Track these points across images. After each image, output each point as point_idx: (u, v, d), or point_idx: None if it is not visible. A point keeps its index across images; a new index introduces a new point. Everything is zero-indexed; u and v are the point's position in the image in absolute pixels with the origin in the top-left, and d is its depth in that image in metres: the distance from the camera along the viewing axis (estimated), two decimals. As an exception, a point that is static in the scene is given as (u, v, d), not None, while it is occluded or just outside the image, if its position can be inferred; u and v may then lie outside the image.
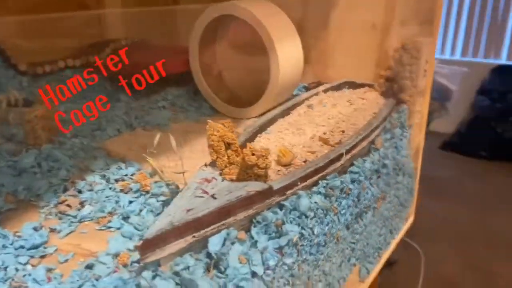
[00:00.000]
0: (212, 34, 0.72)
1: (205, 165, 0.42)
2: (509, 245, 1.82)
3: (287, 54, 0.64)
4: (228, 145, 0.42)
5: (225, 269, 0.34)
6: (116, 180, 0.47)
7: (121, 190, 0.45)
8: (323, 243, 0.43)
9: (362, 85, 0.70)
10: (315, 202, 0.41)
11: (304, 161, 0.47)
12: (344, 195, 0.45)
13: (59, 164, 0.48)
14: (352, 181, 0.47)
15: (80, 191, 0.45)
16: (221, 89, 0.74)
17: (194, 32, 0.70)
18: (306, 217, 0.40)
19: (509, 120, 2.81)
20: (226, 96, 0.73)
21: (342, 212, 0.45)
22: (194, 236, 0.34)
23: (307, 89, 0.72)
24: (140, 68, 0.76)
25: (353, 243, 0.50)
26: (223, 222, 0.35)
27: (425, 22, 0.62)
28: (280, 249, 0.37)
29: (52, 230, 0.40)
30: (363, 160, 0.50)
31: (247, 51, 0.73)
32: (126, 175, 0.48)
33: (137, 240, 0.38)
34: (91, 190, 0.45)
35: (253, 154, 0.39)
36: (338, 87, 0.69)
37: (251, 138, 0.51)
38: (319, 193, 0.43)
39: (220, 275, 0.33)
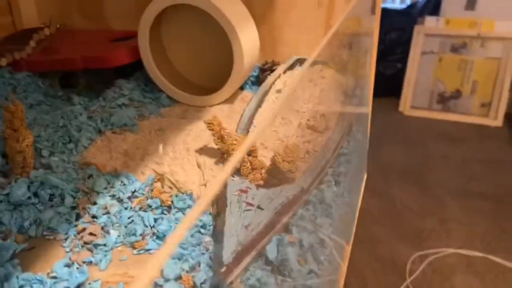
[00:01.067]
0: (159, 21, 0.69)
1: (233, 175, 0.44)
2: (398, 172, 2.09)
3: (246, 38, 0.65)
4: (248, 154, 0.44)
5: (289, 272, 0.37)
6: (129, 198, 0.46)
7: (140, 209, 0.45)
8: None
9: (315, 62, 0.74)
10: (334, 191, 0.46)
11: (306, 152, 0.50)
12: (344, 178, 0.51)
13: (59, 190, 0.46)
14: (346, 162, 0.53)
15: (95, 217, 0.44)
16: (177, 78, 0.73)
17: (144, 21, 0.67)
18: (331, 207, 0.44)
19: (388, 59, 3.11)
20: (183, 85, 0.73)
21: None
22: (256, 249, 0.37)
23: (261, 70, 0.75)
24: (79, 62, 0.72)
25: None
26: (274, 229, 0.38)
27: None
28: (323, 242, 0.41)
29: (88, 263, 0.40)
30: (348, 142, 0.56)
31: (201, 39, 0.72)
32: (135, 191, 0.48)
33: (187, 261, 0.39)
34: (107, 213, 0.44)
35: (283, 160, 0.41)
36: (291, 67, 0.72)
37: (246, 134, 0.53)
38: (335, 182, 0.47)
39: (287, 279, 0.37)
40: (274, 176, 0.42)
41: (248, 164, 0.44)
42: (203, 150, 0.57)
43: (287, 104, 0.60)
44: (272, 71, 0.73)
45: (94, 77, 0.80)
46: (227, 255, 0.34)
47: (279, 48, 0.75)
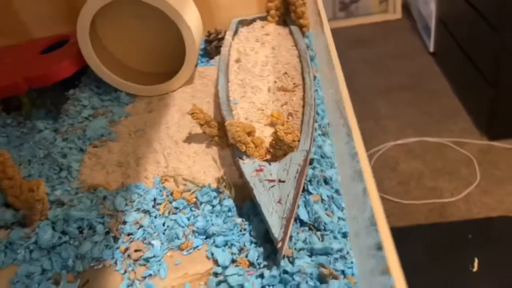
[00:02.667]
0: (93, 21, 0.67)
1: (241, 158, 0.47)
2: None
3: (191, 17, 0.66)
4: (248, 134, 0.48)
5: (324, 228, 0.43)
6: (153, 207, 0.49)
7: (169, 213, 0.48)
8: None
9: (254, 20, 0.77)
10: (330, 144, 0.52)
11: (289, 115, 0.55)
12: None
13: (85, 222, 0.48)
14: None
15: (131, 234, 0.47)
16: (128, 73, 0.73)
17: (81, 23, 0.65)
18: (329, 157, 0.51)
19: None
20: (137, 78, 0.73)
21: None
22: (293, 217, 0.42)
23: (207, 41, 0.76)
24: (22, 85, 0.69)
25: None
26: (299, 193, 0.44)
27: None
28: (337, 191, 0.47)
29: (148, 277, 0.43)
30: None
31: (141, 27, 0.72)
32: (155, 199, 0.50)
33: (234, 245, 0.44)
34: (141, 227, 0.47)
35: (285, 133, 0.46)
36: (236, 31, 0.74)
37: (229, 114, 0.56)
38: (323, 134, 0.53)
39: (325, 233, 0.43)
40: (279, 148, 0.47)
41: (251, 144, 0.48)
42: (190, 139, 0.60)
43: (251, 72, 0.64)
44: (218, 40, 0.75)
45: (33, 91, 0.77)
46: (277, 231, 0.39)
47: (216, 14, 0.76)
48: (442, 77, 2.17)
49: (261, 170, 0.46)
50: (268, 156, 0.49)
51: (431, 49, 2.33)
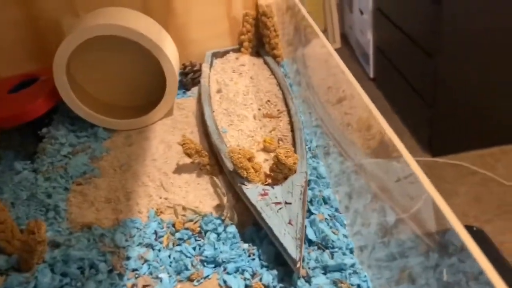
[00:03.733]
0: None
1: (244, 184, 0.48)
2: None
3: (170, 51, 0.67)
4: (249, 160, 0.49)
5: (332, 246, 0.44)
6: (156, 240, 0.48)
7: (173, 245, 0.47)
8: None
9: (227, 52, 0.79)
10: (323, 165, 0.53)
11: (279, 140, 0.57)
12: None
13: (85, 261, 0.45)
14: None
15: (136, 269, 0.46)
16: (104, 108, 0.71)
17: (58, 61, 0.63)
18: (324, 178, 0.52)
19: None
20: (113, 112, 0.71)
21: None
22: (303, 237, 0.43)
23: (183, 74, 0.76)
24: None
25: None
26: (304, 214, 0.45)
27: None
28: (337, 210, 0.49)
29: (161, 313, 0.42)
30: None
31: (116, 62, 0.71)
32: (156, 232, 0.49)
33: (246, 270, 0.44)
34: (146, 261, 0.46)
35: (286, 157, 0.47)
36: (211, 62, 0.76)
37: (221, 143, 0.56)
38: (313, 156, 0.55)
39: (334, 250, 0.44)
40: (280, 171, 0.48)
41: (251, 169, 0.49)
42: (179, 169, 0.60)
43: (234, 102, 0.65)
44: (194, 72, 0.76)
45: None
46: (294, 252, 0.40)
47: (189, 47, 0.77)
48: (384, 100, 2.29)
49: (266, 194, 0.46)
50: (269, 180, 0.49)
51: (371, 75, 2.46)
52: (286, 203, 0.45)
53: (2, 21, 0.72)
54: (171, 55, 0.66)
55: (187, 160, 0.61)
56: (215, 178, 0.50)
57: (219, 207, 0.52)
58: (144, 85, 0.73)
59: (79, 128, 0.71)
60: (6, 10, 0.71)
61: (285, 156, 0.47)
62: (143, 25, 0.64)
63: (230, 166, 0.51)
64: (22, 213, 0.53)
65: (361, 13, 2.46)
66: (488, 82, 1.69)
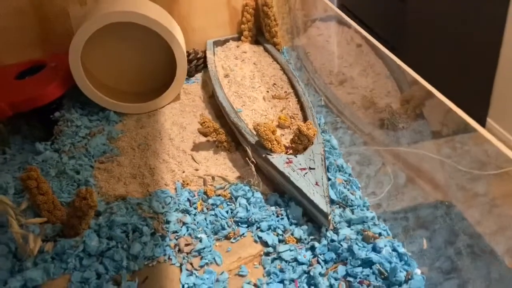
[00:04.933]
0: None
1: (270, 154, 0.53)
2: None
3: (180, 38, 0.71)
4: (273, 132, 0.55)
5: (351, 204, 0.51)
6: (190, 206, 0.53)
7: (207, 210, 0.52)
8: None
9: (227, 40, 0.84)
10: (330, 136, 0.60)
11: (291, 117, 0.63)
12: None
13: (129, 226, 0.50)
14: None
15: (176, 231, 0.50)
16: (115, 93, 0.75)
17: (74, 47, 0.66)
18: (336, 149, 0.59)
19: None
20: (123, 96, 0.75)
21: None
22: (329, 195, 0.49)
23: (187, 61, 0.80)
24: (6, 110, 0.68)
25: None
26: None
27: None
28: (350, 175, 0.55)
29: (205, 265, 0.47)
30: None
31: (124, 50, 0.74)
32: (189, 199, 0.54)
33: (278, 227, 0.50)
34: (184, 224, 0.51)
35: (307, 128, 0.53)
36: (212, 50, 0.80)
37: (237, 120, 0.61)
38: (323, 131, 0.61)
39: (352, 207, 0.51)
40: (300, 143, 0.54)
41: (275, 141, 0.54)
42: (197, 147, 0.65)
43: (242, 85, 0.70)
44: (198, 59, 0.80)
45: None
46: (325, 207, 0.46)
47: (191, 36, 0.82)
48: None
49: (290, 162, 0.52)
50: (290, 151, 0.55)
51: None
52: (310, 168, 0.51)
53: (7, 8, 0.74)
54: (182, 43, 0.71)
55: (203, 139, 0.66)
56: (247, 149, 0.55)
57: (239, 178, 0.58)
58: (150, 72, 0.77)
59: (89, 112, 0.74)
60: (13, -3, 0.73)
61: (307, 128, 0.53)
62: (157, 14, 0.69)
63: (252, 139, 0.56)
64: (55, 188, 0.56)
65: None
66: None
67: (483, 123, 1.88)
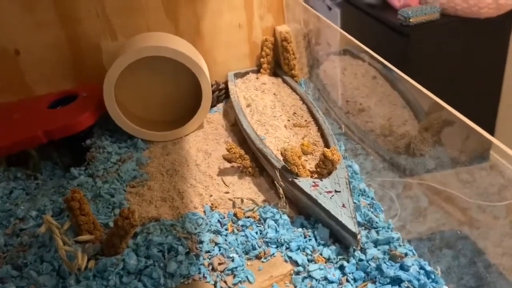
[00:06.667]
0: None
1: (296, 178, 0.56)
2: None
3: (205, 71, 0.75)
4: (299, 158, 0.57)
5: (376, 226, 0.53)
6: (221, 227, 0.55)
7: (238, 231, 0.54)
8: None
9: (247, 73, 0.88)
10: (352, 162, 0.63)
11: (313, 144, 0.65)
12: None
13: (165, 246, 0.51)
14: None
15: (209, 251, 0.52)
16: (143, 122, 0.78)
17: (109, 78, 0.70)
18: (358, 173, 0.61)
19: None
20: (149, 126, 0.78)
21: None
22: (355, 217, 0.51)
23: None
24: (41, 137, 0.71)
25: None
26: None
27: (277, 11, 0.84)
28: (373, 199, 0.58)
29: (238, 283, 0.49)
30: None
31: (151, 81, 0.78)
32: (219, 221, 0.56)
33: (307, 247, 0.51)
34: (216, 244, 0.53)
35: (332, 154, 0.56)
36: (234, 82, 0.84)
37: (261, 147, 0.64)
38: (344, 157, 0.64)
39: (377, 229, 0.53)
40: (325, 167, 0.57)
41: (301, 166, 0.57)
42: (222, 172, 0.67)
43: (264, 114, 0.74)
44: (219, 90, 0.84)
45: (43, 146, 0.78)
46: (353, 227, 0.48)
47: (213, 68, 0.85)
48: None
49: (317, 185, 0.55)
50: (315, 175, 0.58)
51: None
52: (336, 191, 0.53)
53: (45, 41, 0.78)
54: (207, 74, 0.75)
55: (227, 165, 0.69)
56: (276, 173, 0.57)
57: (265, 201, 0.60)
58: (176, 102, 0.80)
59: (117, 140, 0.77)
60: (50, 32, 0.77)
61: (332, 154, 0.55)
62: (185, 48, 0.73)
63: (278, 165, 0.59)
64: (93, 210, 0.58)
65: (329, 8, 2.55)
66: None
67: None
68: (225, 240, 0.53)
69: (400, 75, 0.54)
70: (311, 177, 0.57)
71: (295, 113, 0.73)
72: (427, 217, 0.51)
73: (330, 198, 0.52)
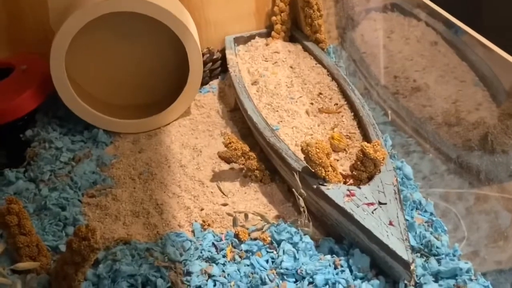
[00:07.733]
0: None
1: (323, 184, 0.56)
2: None
3: (195, 35, 0.75)
4: (327, 156, 0.57)
5: (437, 252, 0.53)
6: (217, 253, 0.55)
7: (240, 258, 0.54)
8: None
9: (252, 37, 0.88)
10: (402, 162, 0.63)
11: (347, 138, 0.65)
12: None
13: (138, 278, 0.51)
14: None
15: (201, 286, 0.52)
16: (104, 106, 0.78)
17: (59, 43, 0.70)
18: (411, 179, 0.61)
19: None
20: (113, 112, 0.77)
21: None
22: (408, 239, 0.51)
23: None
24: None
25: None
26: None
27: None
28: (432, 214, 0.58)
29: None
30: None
31: (119, 52, 0.78)
32: (214, 244, 0.56)
33: (339, 282, 0.51)
34: (210, 277, 0.53)
35: (375, 151, 0.56)
36: (234, 50, 0.84)
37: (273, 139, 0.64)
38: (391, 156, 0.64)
39: (438, 257, 0.53)
40: (364, 170, 0.56)
41: (330, 168, 0.57)
42: (218, 177, 0.67)
43: (276, 95, 0.73)
44: (213, 61, 0.84)
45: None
46: (404, 253, 0.48)
47: (205, 31, 0.85)
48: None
49: (352, 194, 0.54)
50: (350, 181, 0.57)
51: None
52: (380, 203, 0.53)
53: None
54: (196, 39, 0.74)
55: (225, 166, 0.69)
56: (296, 176, 0.57)
57: (279, 218, 0.60)
58: (151, 79, 0.80)
59: (70, 131, 0.77)
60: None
61: (374, 151, 0.55)
62: (166, 2, 0.72)
63: (297, 165, 0.58)
64: (37, 228, 0.58)
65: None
66: None
67: None
68: (223, 271, 0.53)
69: (473, 38, 0.54)
70: (345, 183, 0.57)
71: (320, 93, 0.73)
72: (509, 240, 0.51)
73: (372, 212, 0.52)
